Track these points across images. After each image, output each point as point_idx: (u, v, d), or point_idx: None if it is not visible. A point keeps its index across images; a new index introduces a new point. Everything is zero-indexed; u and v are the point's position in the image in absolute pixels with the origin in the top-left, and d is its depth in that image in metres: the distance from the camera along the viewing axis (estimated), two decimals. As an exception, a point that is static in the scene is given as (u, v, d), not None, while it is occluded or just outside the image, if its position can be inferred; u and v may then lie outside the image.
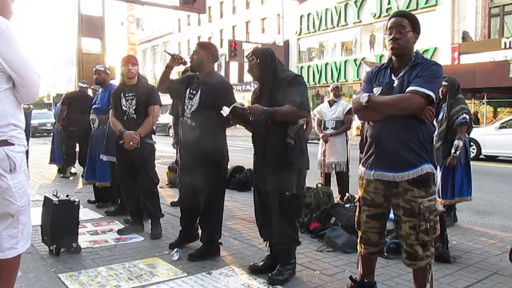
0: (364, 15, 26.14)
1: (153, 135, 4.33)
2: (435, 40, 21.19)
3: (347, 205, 4.33)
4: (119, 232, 4.16)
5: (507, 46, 18.25)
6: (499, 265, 3.42)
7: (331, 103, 5.82)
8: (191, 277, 3.04)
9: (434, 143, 4.62)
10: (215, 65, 3.74)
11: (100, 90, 5.45)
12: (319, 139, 5.96)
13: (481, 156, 11.99)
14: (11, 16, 2.03)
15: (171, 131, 22.80)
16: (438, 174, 4.71)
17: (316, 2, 28.87)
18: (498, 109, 19.77)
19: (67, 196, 3.62)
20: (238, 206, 5.59)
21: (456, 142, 4.48)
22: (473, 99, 18.22)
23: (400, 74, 2.39)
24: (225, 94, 3.40)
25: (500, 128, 12.16)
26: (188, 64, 3.66)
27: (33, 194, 6.05)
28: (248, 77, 28.80)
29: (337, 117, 5.68)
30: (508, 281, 3.09)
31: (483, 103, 18.49)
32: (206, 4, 12.16)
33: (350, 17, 27.12)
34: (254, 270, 3.15)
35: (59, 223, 3.45)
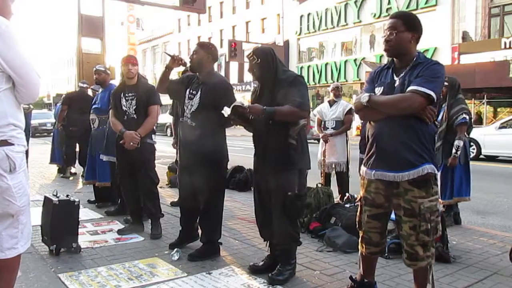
0: (364, 15, 26.14)
1: (153, 135, 4.33)
2: (435, 40, 21.18)
3: (347, 205, 4.33)
4: (119, 232, 4.16)
5: (507, 46, 18.25)
6: (499, 265, 3.42)
7: (331, 103, 5.82)
8: (191, 277, 3.04)
9: (435, 143, 4.63)
10: (215, 65, 3.74)
11: (100, 90, 5.45)
12: (316, 139, 5.97)
13: (481, 156, 11.99)
14: (11, 16, 2.03)
15: (169, 130, 23.05)
16: (438, 173, 4.72)
17: (316, 2, 28.87)
18: (498, 109, 19.77)
19: (67, 196, 3.62)
20: (238, 206, 5.59)
21: (456, 142, 4.48)
22: (473, 99, 18.23)
23: (402, 74, 2.39)
24: (225, 94, 3.39)
25: (500, 128, 12.16)
26: (188, 64, 3.66)
27: (33, 194, 6.05)
28: (248, 77, 28.85)
29: (337, 117, 5.68)
30: (508, 281, 3.09)
31: (483, 103, 18.49)
32: (206, 4, 12.16)
33: (350, 17, 27.12)
34: (254, 270, 3.15)
35: (59, 223, 3.45)
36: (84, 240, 3.85)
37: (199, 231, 3.65)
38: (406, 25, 2.37)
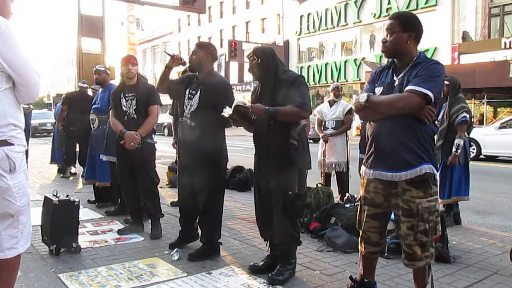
0: (364, 15, 26.13)
1: (153, 135, 4.33)
2: (435, 40, 21.17)
3: (347, 205, 4.33)
4: (119, 232, 4.16)
5: (507, 46, 18.24)
6: (499, 265, 3.42)
7: (331, 103, 5.82)
8: (191, 277, 3.04)
9: (435, 142, 4.64)
10: (215, 65, 3.74)
11: (100, 90, 5.45)
12: (310, 139, 5.96)
13: (481, 156, 11.99)
14: (10, 16, 2.03)
15: (166, 130, 23.12)
16: (438, 173, 4.72)
17: (316, 2, 28.86)
18: (498, 109, 19.77)
19: (67, 196, 3.62)
20: (238, 206, 5.59)
21: (456, 141, 4.49)
22: (473, 99, 18.22)
23: (401, 74, 2.39)
24: (225, 94, 3.40)
25: (500, 128, 12.16)
26: (187, 65, 3.67)
27: (33, 194, 6.05)
28: (248, 77, 28.86)
29: (337, 117, 5.68)
30: (508, 281, 3.09)
31: (483, 103, 18.49)
32: (206, 4, 12.17)
33: (350, 17, 27.11)
34: (254, 270, 3.15)
35: (59, 223, 3.45)
36: (84, 240, 3.85)
37: (199, 231, 3.65)
38: (402, 26, 2.38)
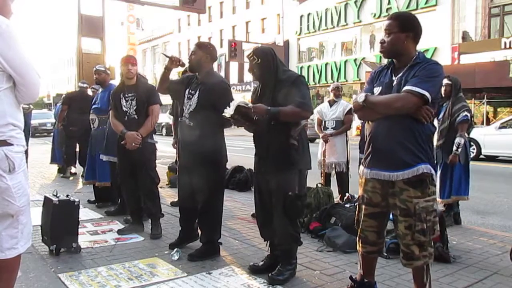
0: (364, 15, 26.14)
1: (153, 135, 4.33)
2: (435, 40, 21.18)
3: (347, 205, 4.33)
4: (119, 232, 4.16)
5: (507, 46, 18.24)
6: (499, 265, 3.42)
7: (331, 103, 5.82)
8: (191, 277, 3.04)
9: (436, 141, 4.65)
10: (215, 65, 3.74)
11: (100, 90, 5.45)
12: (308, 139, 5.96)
13: (481, 156, 11.99)
14: (11, 15, 2.03)
15: (164, 130, 23.13)
16: (438, 172, 4.72)
17: (316, 2, 28.87)
18: (498, 109, 19.77)
19: (67, 196, 3.62)
20: (238, 206, 5.59)
21: (457, 139, 4.50)
22: (473, 99, 18.22)
23: (400, 74, 2.40)
24: (223, 94, 3.40)
25: (500, 128, 12.17)
26: (187, 65, 3.67)
27: (33, 194, 6.05)
28: (248, 77, 28.86)
29: (337, 117, 5.68)
30: (508, 281, 3.09)
31: (483, 103, 18.49)
32: (206, 4, 12.16)
33: (350, 17, 27.11)
34: (254, 270, 3.15)
35: (59, 223, 3.45)
36: (84, 240, 3.85)
37: (199, 231, 3.65)
38: (400, 26, 2.38)
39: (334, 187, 5.45)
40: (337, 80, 25.18)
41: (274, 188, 2.98)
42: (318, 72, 29.30)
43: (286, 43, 31.21)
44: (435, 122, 4.72)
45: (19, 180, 1.96)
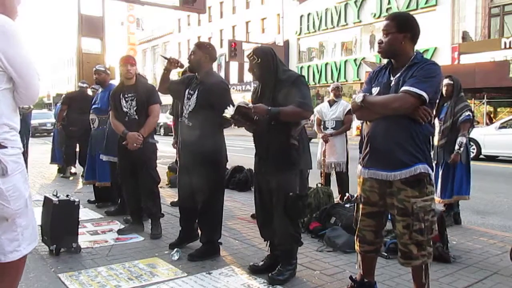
0: (364, 15, 26.14)
1: (154, 135, 4.33)
2: (435, 40, 21.18)
3: (347, 205, 4.33)
4: (119, 232, 4.16)
5: (507, 46, 18.24)
6: (499, 265, 3.42)
7: (331, 103, 5.82)
8: (191, 277, 3.04)
9: (438, 140, 4.66)
10: (215, 65, 3.74)
11: (100, 90, 5.45)
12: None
13: (481, 156, 11.99)
14: (16, 17, 2.03)
15: (162, 130, 23.13)
16: (439, 172, 4.72)
17: (316, 2, 28.86)
18: (498, 109, 19.77)
19: (67, 196, 3.62)
20: (238, 206, 5.59)
21: (459, 139, 4.52)
22: (473, 99, 18.22)
23: (398, 74, 2.41)
24: (222, 94, 3.41)
25: (500, 128, 12.17)
26: (186, 65, 3.68)
27: (33, 194, 6.02)
28: (248, 77, 28.83)
29: (337, 117, 5.68)
30: (508, 281, 3.09)
31: (483, 103, 18.49)
32: (206, 4, 12.15)
33: (350, 17, 27.11)
34: (254, 270, 3.15)
35: (59, 223, 3.45)
36: (84, 240, 3.85)
37: (199, 231, 3.65)
38: (397, 26, 2.40)
39: (334, 187, 5.45)
40: (337, 80, 25.18)
41: (274, 188, 2.98)
42: (318, 72, 29.30)
43: (286, 43, 31.21)
44: (436, 122, 4.75)
45: (14, 183, 1.91)
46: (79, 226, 3.65)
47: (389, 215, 2.58)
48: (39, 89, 2.02)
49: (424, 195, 2.36)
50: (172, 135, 6.41)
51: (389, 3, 24.30)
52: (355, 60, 26.71)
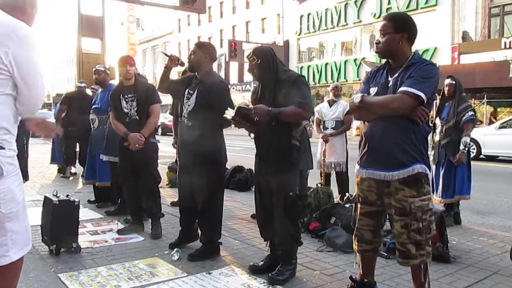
0: (364, 15, 26.14)
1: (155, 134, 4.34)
2: (435, 40, 21.18)
3: (347, 205, 4.33)
4: (119, 232, 4.16)
5: (507, 46, 18.24)
6: (499, 265, 3.42)
7: (330, 103, 5.82)
8: (191, 277, 3.04)
9: (440, 140, 4.66)
10: (215, 65, 3.75)
11: (100, 90, 5.45)
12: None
13: (481, 156, 11.99)
14: (32, 24, 2.07)
15: (160, 130, 23.21)
16: (440, 172, 4.72)
17: (316, 2, 28.86)
18: (498, 109, 19.77)
19: (67, 196, 3.62)
20: (238, 206, 5.59)
21: (464, 139, 4.54)
22: (473, 99, 18.21)
23: (395, 75, 2.42)
24: (222, 94, 3.41)
25: (500, 128, 12.17)
26: (187, 64, 3.68)
27: (33, 194, 6.06)
28: (248, 77, 28.83)
29: (337, 117, 5.68)
30: (508, 281, 3.09)
31: (483, 103, 18.49)
32: (206, 4, 12.14)
33: (350, 17, 27.11)
34: (254, 270, 3.15)
35: (59, 223, 3.44)
36: (84, 240, 3.85)
37: (199, 231, 3.65)
38: (394, 27, 2.41)
39: (334, 187, 5.45)
40: (337, 80, 25.19)
41: (274, 189, 2.98)
42: (318, 72, 29.29)
43: (286, 43, 31.20)
44: (437, 121, 4.75)
45: (7, 185, 1.88)
46: (79, 226, 3.65)
47: (386, 216, 2.59)
48: (42, 99, 2.00)
49: (422, 194, 2.37)
50: (170, 135, 6.40)
51: (389, 3, 24.30)
52: (355, 60, 26.71)
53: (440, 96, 4.83)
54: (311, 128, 4.38)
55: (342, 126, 5.69)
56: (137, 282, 2.95)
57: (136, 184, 4.20)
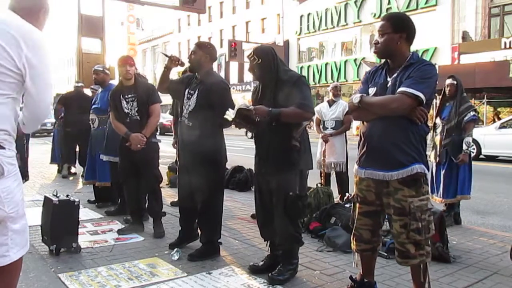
0: (364, 15, 26.14)
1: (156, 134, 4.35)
2: (435, 40, 21.19)
3: (347, 205, 4.33)
4: (119, 232, 4.17)
5: (507, 46, 18.24)
6: (499, 265, 3.42)
7: (330, 103, 5.82)
8: (191, 277, 3.04)
9: (441, 140, 4.66)
10: (215, 65, 3.75)
11: (100, 90, 5.45)
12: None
13: (481, 156, 11.98)
14: (42, 29, 2.08)
15: (158, 129, 23.19)
16: (442, 172, 4.72)
17: (316, 2, 28.86)
18: (498, 109, 19.78)
19: (67, 196, 3.62)
20: (238, 206, 5.59)
21: (466, 139, 4.55)
22: (473, 99, 18.21)
23: (394, 75, 2.43)
24: (222, 94, 3.41)
25: (500, 128, 12.16)
26: (187, 65, 3.68)
27: (33, 194, 6.06)
28: (248, 77, 28.84)
29: (337, 117, 5.68)
30: (508, 281, 3.09)
31: (483, 103, 18.49)
32: (206, 4, 12.14)
33: (350, 17, 27.12)
34: (254, 270, 3.15)
35: (59, 223, 3.44)
36: (84, 240, 3.85)
37: (199, 231, 3.65)
38: (393, 27, 2.41)
39: (334, 187, 5.45)
40: (337, 80, 25.20)
41: (274, 188, 2.98)
42: (318, 72, 29.30)
43: (286, 43, 31.21)
44: (438, 121, 4.75)
45: (8, 185, 1.89)
46: (79, 226, 3.65)
47: (385, 216, 2.59)
48: (48, 108, 1.99)
49: (421, 194, 2.38)
50: (168, 135, 6.41)
51: (389, 3, 24.31)
52: (355, 60, 26.72)
53: (440, 96, 4.83)
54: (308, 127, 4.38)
55: (342, 126, 5.69)
56: (137, 282, 2.95)
57: (136, 184, 4.20)
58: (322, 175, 5.78)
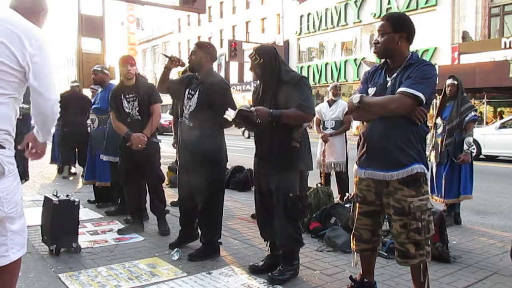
0: (364, 15, 26.14)
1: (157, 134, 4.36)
2: (435, 40, 21.19)
3: (347, 205, 4.32)
4: (119, 232, 4.17)
5: (507, 46, 18.24)
6: (499, 265, 3.42)
7: (330, 103, 5.82)
8: (191, 277, 3.04)
9: (442, 140, 4.66)
10: (215, 65, 3.75)
11: (100, 90, 5.44)
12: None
13: (481, 156, 11.98)
14: (41, 28, 2.11)
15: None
16: (443, 172, 4.72)
17: (316, 2, 28.87)
18: (498, 109, 19.78)
19: (67, 196, 3.62)
20: (238, 206, 5.59)
21: (467, 139, 4.57)
22: (473, 99, 18.22)
23: (394, 75, 2.43)
24: (223, 94, 3.41)
25: (500, 128, 12.16)
26: (187, 65, 3.68)
27: (33, 194, 6.06)
28: (248, 77, 28.86)
29: (337, 117, 5.68)
30: (508, 281, 3.09)
31: (483, 103, 18.49)
32: (206, 4, 12.15)
33: (350, 17, 27.12)
34: (254, 270, 3.15)
35: (59, 223, 3.44)
36: (84, 240, 3.85)
37: (199, 231, 3.65)
38: (393, 27, 2.41)
39: (334, 187, 5.45)
40: (337, 80, 25.19)
41: (274, 189, 2.98)
42: (318, 72, 29.30)
43: (286, 43, 31.21)
44: (439, 121, 4.75)
45: (8, 185, 1.89)
46: (79, 226, 3.65)
47: (385, 216, 2.59)
48: (56, 104, 1.98)
49: (421, 194, 2.38)
50: (167, 134, 6.42)
51: (389, 3, 24.31)
52: (355, 60, 26.72)
53: (440, 96, 4.83)
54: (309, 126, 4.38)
55: (341, 126, 5.69)
56: (137, 282, 2.95)
57: (137, 184, 4.21)
58: (322, 175, 5.77)
